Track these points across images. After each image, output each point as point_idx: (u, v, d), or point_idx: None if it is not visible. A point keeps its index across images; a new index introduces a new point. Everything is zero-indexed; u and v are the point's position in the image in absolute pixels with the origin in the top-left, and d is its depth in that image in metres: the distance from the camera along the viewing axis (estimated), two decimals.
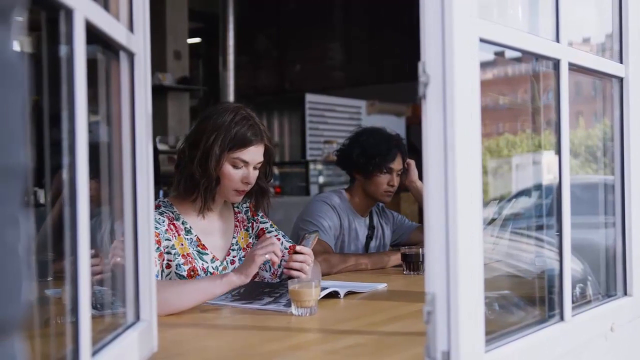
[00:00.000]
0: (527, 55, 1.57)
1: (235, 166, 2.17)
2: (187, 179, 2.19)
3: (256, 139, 2.18)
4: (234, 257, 2.30)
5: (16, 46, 0.57)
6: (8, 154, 0.54)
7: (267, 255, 1.96)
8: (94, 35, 1.12)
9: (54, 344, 1.24)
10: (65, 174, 1.01)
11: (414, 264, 2.63)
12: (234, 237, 2.33)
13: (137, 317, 1.37)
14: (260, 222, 2.41)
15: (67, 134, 1.01)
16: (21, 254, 0.56)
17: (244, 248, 2.34)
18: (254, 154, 2.19)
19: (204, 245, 2.22)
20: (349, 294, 2.16)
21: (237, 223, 2.36)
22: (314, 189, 7.43)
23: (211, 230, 2.27)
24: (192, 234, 2.21)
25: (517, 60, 1.72)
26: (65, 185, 1.01)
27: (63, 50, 1.02)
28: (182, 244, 2.16)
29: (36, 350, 1.14)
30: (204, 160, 2.14)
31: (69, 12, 1.00)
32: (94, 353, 1.09)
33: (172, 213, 2.20)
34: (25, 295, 0.57)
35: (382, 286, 2.34)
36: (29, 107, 0.59)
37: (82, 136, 1.02)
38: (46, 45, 1.08)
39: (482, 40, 1.24)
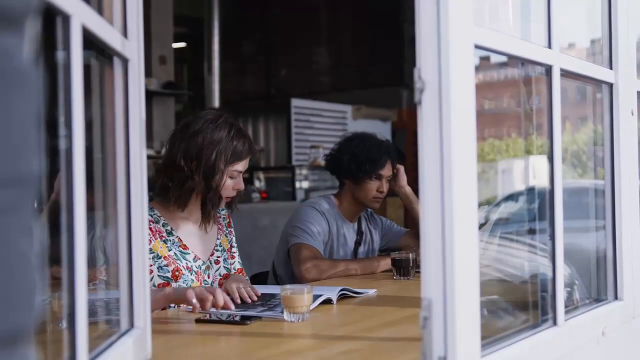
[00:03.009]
0: (519, 61, 1.58)
1: (231, 177, 2.28)
2: (187, 192, 2.23)
3: (252, 150, 2.32)
4: (218, 257, 2.38)
5: (29, 53, 0.57)
6: (21, 162, 0.54)
7: (194, 300, 1.90)
8: (89, 41, 1.11)
9: (48, 351, 1.23)
10: (62, 180, 1.00)
11: (404, 269, 2.63)
12: (217, 239, 2.41)
13: (132, 325, 1.36)
14: (233, 235, 2.51)
15: (63, 139, 1.00)
16: (34, 262, 0.56)
17: (227, 250, 2.43)
18: (247, 163, 2.32)
19: (185, 245, 2.28)
20: (342, 298, 2.16)
21: (220, 226, 2.45)
22: (300, 194, 7.42)
23: (194, 232, 2.33)
24: (173, 235, 2.26)
25: (503, 65, 1.73)
26: (61, 191, 1.00)
27: (59, 55, 1.02)
28: (161, 247, 2.22)
29: None
30: (208, 176, 2.22)
31: (66, 18, 0.99)
32: None
33: (152, 216, 2.24)
34: (38, 304, 0.57)
35: (372, 292, 2.34)
36: (41, 114, 0.59)
37: (79, 142, 1.01)
38: (41, 51, 1.07)
39: (477, 46, 1.25)
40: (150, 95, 7.34)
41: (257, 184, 7.58)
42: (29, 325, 0.55)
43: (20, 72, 0.55)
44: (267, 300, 2.11)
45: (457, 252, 1.16)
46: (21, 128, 0.54)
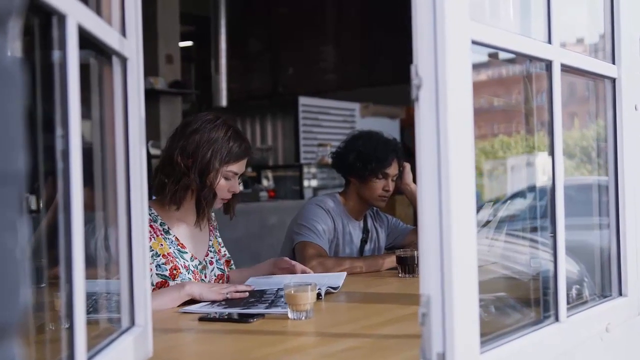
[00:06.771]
0: (519, 57, 1.57)
1: (226, 178, 2.30)
2: (182, 189, 2.27)
3: (248, 152, 2.34)
4: (211, 258, 2.42)
5: (13, 52, 0.57)
6: (6, 159, 0.55)
7: (227, 295, 2.11)
8: (86, 40, 1.12)
9: (47, 350, 1.24)
10: (59, 180, 1.01)
11: (408, 266, 2.62)
12: (210, 240, 2.45)
13: (132, 322, 1.37)
14: (219, 236, 2.53)
15: (60, 139, 1.01)
16: (19, 259, 0.57)
17: (217, 252, 2.46)
18: (243, 165, 2.35)
19: (182, 244, 2.31)
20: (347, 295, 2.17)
21: (212, 228, 2.49)
22: (308, 193, 7.43)
23: (189, 233, 2.36)
24: (171, 234, 2.30)
25: (511, 61, 1.73)
26: (59, 191, 1.01)
27: (56, 55, 1.02)
28: (161, 245, 2.25)
29: (31, 356, 1.14)
30: (203, 173, 2.25)
31: (62, 18, 1.00)
32: (89, 358, 1.09)
33: (150, 215, 2.26)
34: (24, 300, 0.57)
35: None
36: (26, 113, 0.59)
37: (75, 142, 1.01)
38: (38, 50, 1.07)
39: (474, 42, 1.24)
40: (157, 94, 7.34)
41: (265, 182, 7.59)
42: (14, 321, 0.56)
43: (5, 71, 0.55)
44: (260, 297, 2.11)
45: (455, 248, 1.16)
46: (7, 126, 0.55)
